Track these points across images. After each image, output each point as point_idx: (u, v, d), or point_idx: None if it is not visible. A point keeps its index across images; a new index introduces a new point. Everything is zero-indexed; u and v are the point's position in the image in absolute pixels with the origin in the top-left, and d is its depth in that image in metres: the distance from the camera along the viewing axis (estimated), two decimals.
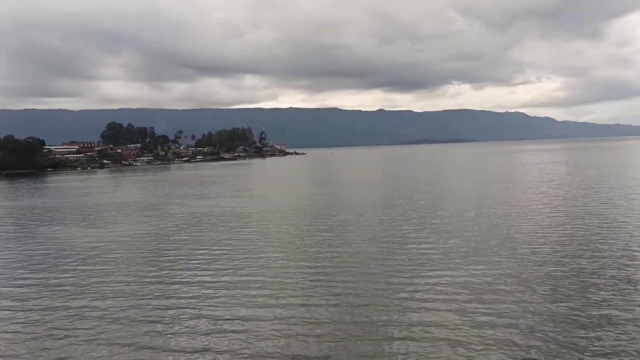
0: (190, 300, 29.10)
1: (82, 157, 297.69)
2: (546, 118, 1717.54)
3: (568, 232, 44.53)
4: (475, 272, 32.58)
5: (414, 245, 41.14)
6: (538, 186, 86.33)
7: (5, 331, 25.40)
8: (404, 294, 28.72)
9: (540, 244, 40.11)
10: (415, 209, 62.07)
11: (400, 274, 32.77)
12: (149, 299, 29.81)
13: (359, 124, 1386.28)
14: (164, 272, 36.19)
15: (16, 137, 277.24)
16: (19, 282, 35.11)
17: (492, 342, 21.96)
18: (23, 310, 28.52)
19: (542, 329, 23.06)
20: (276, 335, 23.44)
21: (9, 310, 28.80)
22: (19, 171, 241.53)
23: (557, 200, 65.90)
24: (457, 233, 45.56)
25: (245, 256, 39.94)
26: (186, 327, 25.05)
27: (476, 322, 24.14)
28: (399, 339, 22.65)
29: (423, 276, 32.11)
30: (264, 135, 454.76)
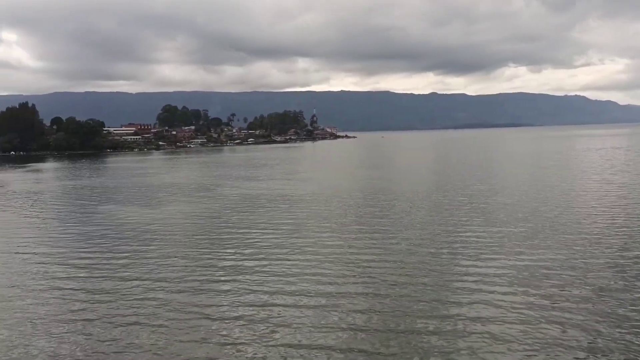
0: (240, 281, 29.53)
1: (139, 138, 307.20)
2: (608, 102, 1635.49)
3: (630, 222, 42.55)
4: (529, 261, 31.63)
5: (466, 232, 40.31)
6: (599, 173, 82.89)
7: (63, 310, 26.53)
8: (454, 282, 28.22)
9: (599, 234, 38.47)
10: (468, 195, 60.81)
11: (451, 261, 32.21)
12: (201, 280, 30.44)
13: (411, 107, 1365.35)
14: (215, 252, 36.88)
15: (77, 118, 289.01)
16: (77, 260, 36.58)
17: (544, 335, 21.27)
18: (80, 288, 29.71)
19: (598, 325, 22.16)
20: (323, 322, 23.47)
21: (66, 288, 30.08)
22: (80, 152, 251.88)
23: (618, 189, 63.04)
24: (511, 220, 44.32)
25: (296, 239, 40.20)
26: (235, 307, 25.42)
27: (527, 314, 23.45)
28: (447, 328, 22.28)
29: (475, 264, 31.42)
30: (315, 118, 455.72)
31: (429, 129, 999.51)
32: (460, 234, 39.68)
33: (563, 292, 26.09)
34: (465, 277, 28.89)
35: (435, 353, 19.87)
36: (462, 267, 30.82)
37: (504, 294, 26.00)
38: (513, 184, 71.85)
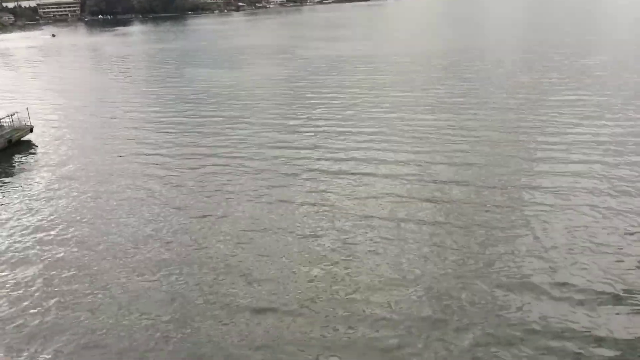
0: (319, 142, 30.11)
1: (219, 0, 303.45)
2: None
3: None
4: (622, 129, 29.78)
5: (555, 96, 38.03)
6: None
7: (148, 151, 28.44)
8: (543, 149, 27.32)
9: None
10: (562, 54, 56.39)
11: (536, 126, 30.90)
12: (281, 140, 31.31)
13: None
14: (297, 114, 37.39)
15: None
16: (162, 120, 38.43)
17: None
18: (163, 148, 31.51)
19: None
20: (399, 190, 23.76)
21: (161, 132, 32.00)
22: (163, 14, 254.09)
23: None
24: (606, 85, 41.12)
25: (376, 102, 39.72)
26: (316, 169, 26.19)
27: (616, 184, 22.52)
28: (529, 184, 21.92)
29: (561, 132, 30.03)
30: None
31: None
32: (549, 98, 37.51)
33: None
34: (551, 146, 27.82)
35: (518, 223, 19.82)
36: (548, 135, 29.56)
37: (592, 162, 24.99)
38: (614, 41, 65.47)
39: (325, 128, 33.07)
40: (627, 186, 21.73)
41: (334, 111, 37.48)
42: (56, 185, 25.50)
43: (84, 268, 17.26)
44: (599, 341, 12.75)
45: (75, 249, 18.59)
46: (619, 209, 19.64)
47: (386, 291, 15.13)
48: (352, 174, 24.84)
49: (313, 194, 22.80)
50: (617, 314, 13.72)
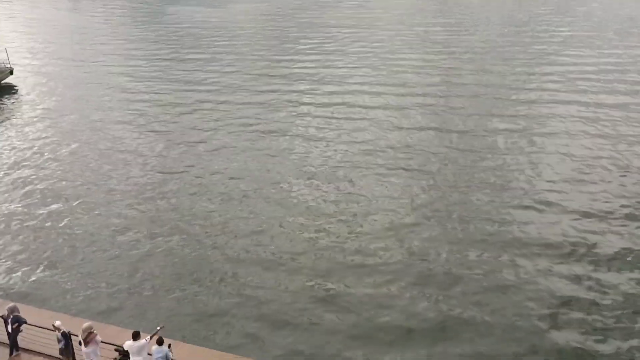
0: (306, 77, 29.89)
1: None
2: None
3: None
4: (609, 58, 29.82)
5: (550, 26, 37.73)
6: None
7: (142, 90, 28.15)
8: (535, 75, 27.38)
9: None
10: None
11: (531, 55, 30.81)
12: (265, 77, 31.02)
13: None
14: (285, 50, 36.88)
15: None
16: (144, 62, 37.68)
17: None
18: (159, 79, 31.09)
19: None
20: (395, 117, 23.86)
21: (142, 74, 31.56)
22: None
23: None
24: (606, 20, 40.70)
25: (363, 39, 39.22)
26: (301, 100, 26.14)
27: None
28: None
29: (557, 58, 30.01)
30: None
31: None
32: (541, 30, 37.21)
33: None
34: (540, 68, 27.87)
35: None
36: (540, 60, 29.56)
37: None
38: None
39: (314, 65, 32.79)
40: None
41: (321, 47, 37.01)
42: (41, 130, 25.21)
43: (66, 202, 17.36)
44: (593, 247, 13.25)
45: (59, 190, 18.63)
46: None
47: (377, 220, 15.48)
48: (341, 108, 24.90)
49: (302, 128, 22.92)
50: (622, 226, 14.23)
